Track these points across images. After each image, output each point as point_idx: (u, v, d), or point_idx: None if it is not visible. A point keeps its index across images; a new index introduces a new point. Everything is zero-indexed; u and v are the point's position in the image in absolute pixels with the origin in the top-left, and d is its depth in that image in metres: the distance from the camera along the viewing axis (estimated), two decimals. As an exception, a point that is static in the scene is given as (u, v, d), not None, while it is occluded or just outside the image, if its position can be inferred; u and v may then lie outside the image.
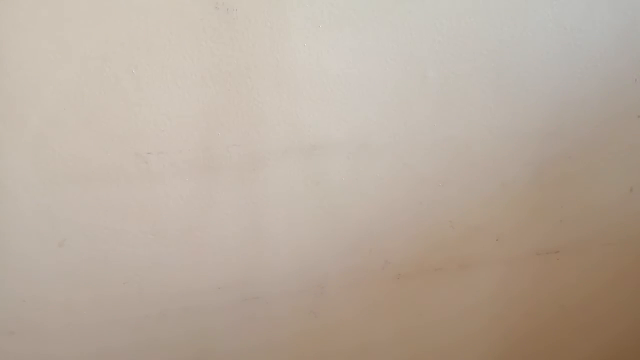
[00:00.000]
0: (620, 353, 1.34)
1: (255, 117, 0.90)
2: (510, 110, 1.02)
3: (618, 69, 1.04)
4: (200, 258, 0.99)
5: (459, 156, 1.03)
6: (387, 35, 0.91)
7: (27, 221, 0.88)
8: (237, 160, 0.93)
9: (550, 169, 1.09)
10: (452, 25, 0.93)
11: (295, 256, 1.03)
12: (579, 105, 1.05)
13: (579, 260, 1.20)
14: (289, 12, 0.85)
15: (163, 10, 0.81)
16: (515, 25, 0.96)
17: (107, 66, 0.82)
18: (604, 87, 1.05)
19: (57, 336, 0.97)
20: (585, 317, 1.27)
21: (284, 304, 1.07)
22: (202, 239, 0.97)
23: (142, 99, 0.85)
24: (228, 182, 0.94)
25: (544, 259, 1.18)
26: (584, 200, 1.14)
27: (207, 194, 0.94)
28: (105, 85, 0.83)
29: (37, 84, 0.81)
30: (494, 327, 1.23)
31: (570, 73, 1.02)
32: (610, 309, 1.28)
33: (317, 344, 1.13)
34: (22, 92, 0.81)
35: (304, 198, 0.98)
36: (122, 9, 0.80)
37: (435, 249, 1.10)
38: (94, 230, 0.91)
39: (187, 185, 0.92)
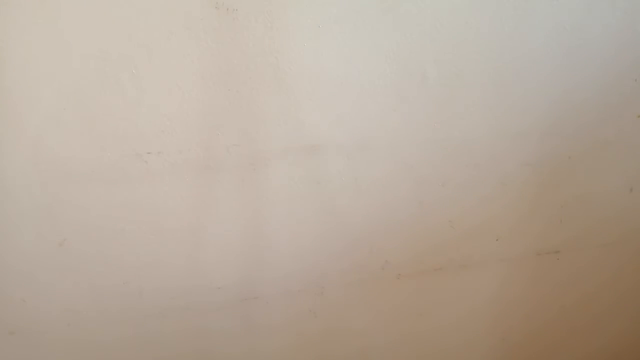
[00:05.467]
0: (620, 353, 1.34)
1: (255, 117, 0.91)
2: (510, 110, 1.02)
3: (618, 69, 1.04)
4: (200, 258, 0.98)
5: (459, 156, 1.03)
6: (387, 35, 0.91)
7: (27, 221, 0.88)
8: (237, 160, 0.93)
9: (550, 169, 1.09)
10: (452, 25, 0.93)
11: (295, 256, 1.03)
12: (579, 105, 1.05)
13: (579, 260, 1.20)
14: (289, 12, 0.86)
15: (163, 10, 0.81)
16: (515, 25, 0.96)
17: (107, 66, 0.82)
18: (604, 87, 1.05)
19: (57, 336, 0.97)
20: (585, 317, 1.27)
21: (284, 304, 1.07)
22: (202, 238, 0.97)
23: (142, 99, 0.85)
24: (228, 182, 0.94)
25: (544, 259, 1.18)
26: (584, 201, 1.14)
27: (207, 194, 0.94)
28: (105, 85, 0.83)
29: (37, 84, 0.81)
30: (494, 327, 1.23)
31: (570, 73, 1.02)
32: (610, 308, 1.28)
33: (317, 344, 1.12)
34: (22, 92, 0.81)
35: (304, 198, 0.98)
36: (122, 9, 0.80)
37: (435, 249, 1.10)
38: (94, 230, 0.91)
39: (187, 185, 0.92)
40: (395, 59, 0.93)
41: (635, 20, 1.01)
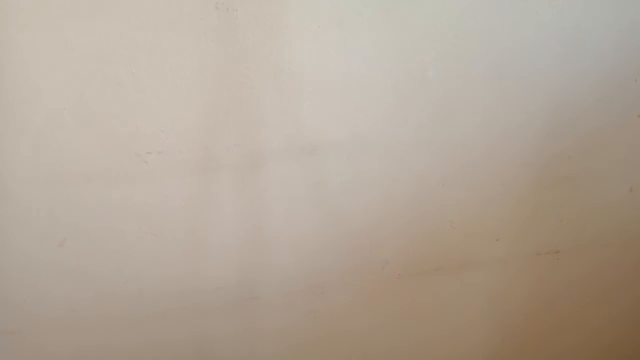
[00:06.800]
0: (620, 353, 1.34)
1: (255, 117, 0.91)
2: (510, 110, 1.02)
3: (618, 69, 1.04)
4: (200, 258, 0.98)
5: (459, 156, 1.03)
6: (387, 35, 0.91)
7: (27, 221, 0.88)
8: (237, 160, 0.93)
9: (550, 169, 1.09)
10: (452, 25, 0.93)
11: (295, 256, 1.03)
12: (579, 105, 1.05)
13: (579, 260, 1.20)
14: (289, 12, 0.85)
15: (163, 10, 0.81)
16: (515, 25, 0.96)
17: (107, 66, 0.82)
18: (604, 87, 1.05)
19: (57, 336, 0.97)
20: (585, 317, 1.27)
21: (284, 304, 1.07)
22: (202, 239, 0.97)
23: (142, 99, 0.85)
24: (228, 182, 0.94)
25: (544, 259, 1.18)
26: (584, 201, 1.14)
27: (207, 194, 0.94)
28: (105, 85, 0.83)
29: (37, 84, 0.81)
30: (494, 327, 1.23)
31: (570, 73, 1.02)
32: (609, 309, 1.28)
33: (317, 344, 1.13)
34: (22, 92, 0.81)
35: (304, 198, 0.98)
36: (122, 9, 0.80)
37: (435, 249, 1.10)
38: (94, 230, 0.91)
39: (187, 185, 0.92)
40: (395, 59, 0.93)
41: (635, 20, 1.01)
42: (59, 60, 0.80)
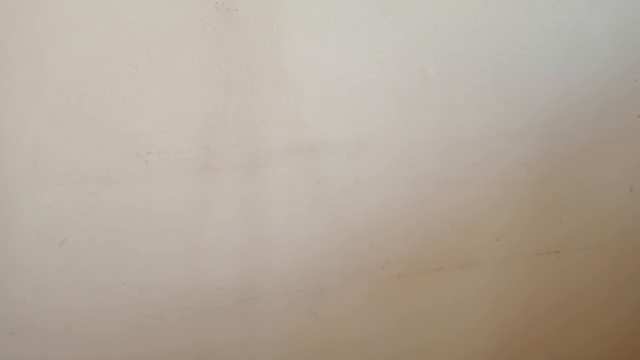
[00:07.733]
0: (620, 353, 1.34)
1: (255, 117, 0.91)
2: (510, 110, 1.02)
3: (618, 69, 1.04)
4: (200, 258, 0.99)
5: (459, 156, 1.03)
6: (387, 35, 0.91)
7: (27, 221, 0.88)
8: (237, 160, 0.93)
9: (550, 168, 1.09)
10: (452, 25, 0.93)
11: (295, 256, 1.03)
12: (579, 105, 1.05)
13: (579, 260, 1.20)
14: (289, 12, 0.86)
15: (163, 10, 0.81)
16: (515, 25, 0.96)
17: (107, 66, 0.82)
18: (604, 87, 1.05)
19: (57, 336, 0.97)
20: (585, 317, 1.27)
21: (284, 304, 1.07)
22: (202, 239, 0.97)
23: (142, 99, 0.85)
24: (228, 182, 0.94)
25: (544, 259, 1.18)
26: (584, 200, 1.14)
27: (207, 194, 0.94)
28: (105, 85, 0.83)
29: (37, 84, 0.81)
30: (494, 327, 1.23)
31: (570, 73, 1.02)
32: (609, 309, 1.28)
33: (317, 343, 1.12)
34: (22, 92, 0.81)
35: (304, 198, 0.98)
36: (123, 9, 0.80)
37: (435, 249, 1.10)
38: (94, 230, 0.91)
39: (187, 185, 0.92)
40: (395, 59, 0.93)
41: (635, 21, 1.01)
42: (59, 60, 0.80)
